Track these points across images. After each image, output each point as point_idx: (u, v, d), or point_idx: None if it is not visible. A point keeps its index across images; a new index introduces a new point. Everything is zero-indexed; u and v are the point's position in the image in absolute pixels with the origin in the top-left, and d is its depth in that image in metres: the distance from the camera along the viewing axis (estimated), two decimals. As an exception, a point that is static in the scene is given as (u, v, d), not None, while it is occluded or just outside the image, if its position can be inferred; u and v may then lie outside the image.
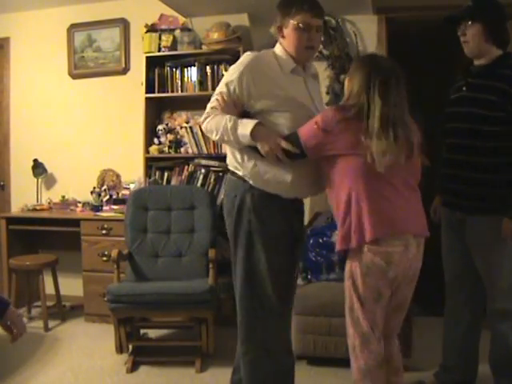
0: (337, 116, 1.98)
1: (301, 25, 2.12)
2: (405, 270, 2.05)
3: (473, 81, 2.42)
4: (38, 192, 4.47)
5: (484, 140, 2.32)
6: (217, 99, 2.15)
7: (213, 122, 2.14)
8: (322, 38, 3.84)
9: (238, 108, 2.13)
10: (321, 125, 1.99)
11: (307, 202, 3.83)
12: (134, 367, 3.11)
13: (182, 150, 3.99)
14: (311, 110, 2.16)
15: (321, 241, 3.21)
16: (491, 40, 2.35)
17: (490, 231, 2.35)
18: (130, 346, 3.21)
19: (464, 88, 2.45)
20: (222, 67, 3.89)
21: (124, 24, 4.31)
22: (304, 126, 2.04)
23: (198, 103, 4.05)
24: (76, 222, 3.91)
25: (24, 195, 4.46)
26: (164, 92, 4.01)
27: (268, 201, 2.14)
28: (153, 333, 3.65)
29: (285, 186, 2.13)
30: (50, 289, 3.94)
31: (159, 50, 3.99)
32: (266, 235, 2.14)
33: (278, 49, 2.22)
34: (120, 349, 3.12)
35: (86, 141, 4.45)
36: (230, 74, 2.16)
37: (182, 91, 3.98)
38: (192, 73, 3.95)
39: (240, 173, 2.18)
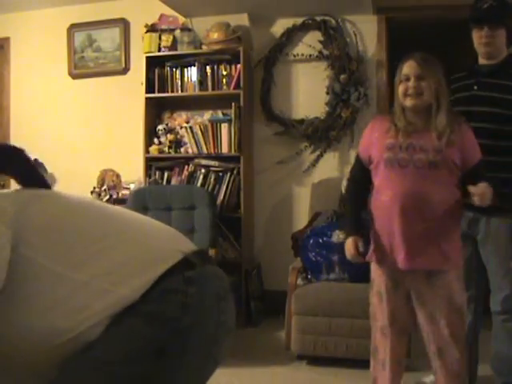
0: None
1: None
2: None
3: (485, 80, 2.38)
4: (38, 192, 4.46)
5: (499, 139, 2.30)
6: None
7: None
8: (322, 38, 3.87)
9: None
10: None
11: (307, 201, 3.84)
12: (133, 367, 3.10)
13: (182, 150, 3.98)
14: None
15: (321, 241, 3.20)
16: (508, 42, 2.38)
17: (504, 231, 2.33)
18: (130, 346, 3.20)
19: (475, 87, 2.40)
20: (221, 67, 3.89)
21: (124, 24, 4.31)
22: None
23: (197, 103, 4.08)
24: (76, 222, 3.90)
25: (24, 195, 4.45)
26: (164, 92, 4.00)
27: None
28: (153, 333, 3.64)
29: None
30: (50, 289, 3.93)
31: (159, 50, 3.99)
32: None
33: None
34: (120, 349, 3.11)
35: (86, 141, 4.44)
36: None
37: (182, 91, 3.98)
38: (192, 73, 3.95)
39: None
